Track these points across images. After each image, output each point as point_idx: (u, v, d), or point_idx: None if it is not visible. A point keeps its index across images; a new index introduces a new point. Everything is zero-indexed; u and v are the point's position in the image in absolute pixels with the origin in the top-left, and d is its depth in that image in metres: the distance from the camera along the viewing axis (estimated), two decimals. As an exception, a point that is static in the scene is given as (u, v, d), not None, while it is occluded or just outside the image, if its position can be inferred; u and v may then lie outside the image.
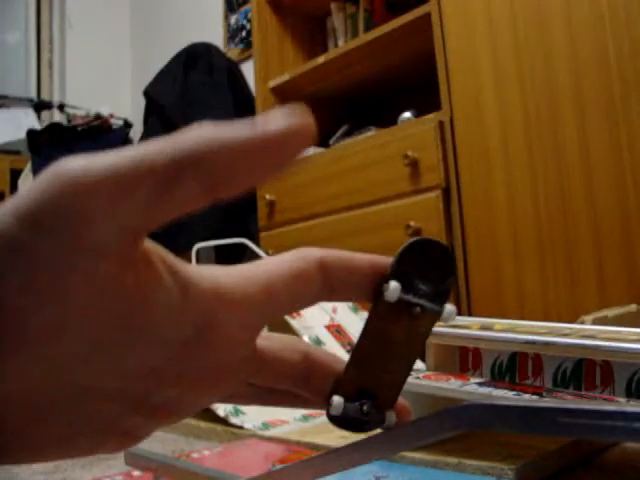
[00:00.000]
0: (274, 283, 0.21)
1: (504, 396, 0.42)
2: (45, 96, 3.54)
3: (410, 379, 0.48)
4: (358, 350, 0.23)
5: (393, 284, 0.22)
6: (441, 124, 1.72)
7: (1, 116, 3.25)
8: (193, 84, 2.65)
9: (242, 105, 2.64)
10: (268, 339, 0.24)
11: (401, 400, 0.25)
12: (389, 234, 1.76)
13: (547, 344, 0.47)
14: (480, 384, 0.46)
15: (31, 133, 2.96)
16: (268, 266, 0.22)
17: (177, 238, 1.73)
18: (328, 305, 0.88)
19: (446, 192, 1.69)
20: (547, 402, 0.20)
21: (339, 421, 0.24)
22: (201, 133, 0.17)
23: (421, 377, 0.48)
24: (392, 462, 0.47)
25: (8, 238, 0.16)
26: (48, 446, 0.20)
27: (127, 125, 3.14)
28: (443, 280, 0.23)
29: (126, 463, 0.39)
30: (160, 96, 2.69)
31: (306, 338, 0.80)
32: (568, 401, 0.22)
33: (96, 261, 0.16)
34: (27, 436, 0.19)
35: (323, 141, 2.27)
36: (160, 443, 0.68)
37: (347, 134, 2.20)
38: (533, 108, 1.56)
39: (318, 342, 0.80)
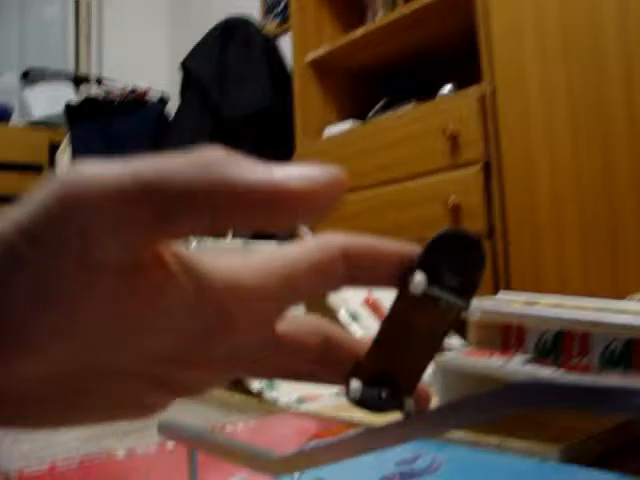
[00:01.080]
0: (293, 275, 0.21)
1: (561, 375, 0.40)
2: (83, 70, 3.57)
3: (453, 355, 0.46)
4: (380, 336, 0.23)
5: (419, 277, 0.21)
6: (483, 97, 1.68)
7: (40, 90, 3.29)
8: (230, 58, 2.64)
9: (278, 80, 2.62)
10: (287, 321, 0.24)
11: (422, 387, 0.24)
12: (427, 209, 1.74)
13: (596, 323, 0.45)
14: (524, 362, 0.45)
15: (69, 107, 2.99)
16: (288, 257, 0.21)
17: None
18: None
19: (486, 167, 1.66)
20: (611, 381, 0.19)
21: (357, 403, 0.23)
22: (211, 164, 0.17)
23: (463, 353, 0.46)
24: (428, 441, 0.46)
25: (11, 254, 0.16)
26: (65, 416, 0.20)
27: (163, 101, 3.14)
28: (472, 274, 0.22)
29: (159, 434, 0.38)
30: (197, 69, 2.68)
31: (343, 312, 0.79)
32: (634, 380, 0.20)
33: (101, 273, 0.16)
34: (45, 409, 0.19)
35: (361, 115, 2.24)
36: (194, 415, 0.68)
37: (385, 108, 2.16)
38: (578, 79, 1.51)
39: (355, 316, 0.79)
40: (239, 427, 0.58)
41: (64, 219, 0.16)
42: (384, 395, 0.23)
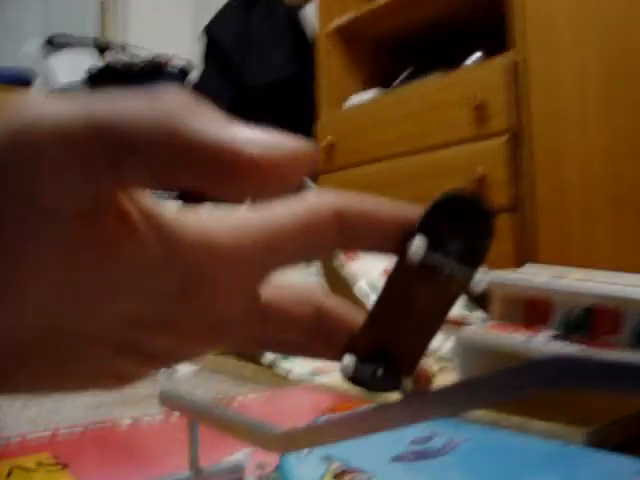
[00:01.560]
0: (277, 235, 0.19)
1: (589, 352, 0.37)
2: (107, 38, 3.55)
3: (474, 330, 0.44)
4: (377, 308, 0.21)
5: (418, 241, 0.19)
6: (510, 65, 1.64)
7: (64, 57, 3.28)
8: (252, 26, 2.60)
9: (301, 50, 2.58)
10: (277, 288, 0.22)
11: (422, 366, 0.22)
12: (452, 181, 1.70)
13: (630, 300, 0.42)
14: (550, 338, 0.42)
15: (90, 74, 2.99)
16: (270, 217, 0.19)
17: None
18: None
19: (514, 137, 1.62)
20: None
21: (350, 380, 0.22)
22: (171, 113, 0.15)
23: (485, 328, 0.43)
24: (445, 420, 0.44)
25: None
26: (41, 380, 0.19)
27: (184, 72, 3.11)
28: (478, 242, 0.20)
29: (160, 404, 0.36)
30: (219, 35, 2.65)
31: (362, 283, 0.77)
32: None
33: (51, 222, 0.15)
34: (17, 372, 0.18)
35: (386, 85, 2.20)
36: (205, 385, 0.67)
37: (411, 77, 2.11)
38: (610, 45, 1.46)
39: (373, 288, 0.77)
40: (249, 399, 0.56)
41: (13, 161, 0.14)
42: (380, 373, 0.21)
